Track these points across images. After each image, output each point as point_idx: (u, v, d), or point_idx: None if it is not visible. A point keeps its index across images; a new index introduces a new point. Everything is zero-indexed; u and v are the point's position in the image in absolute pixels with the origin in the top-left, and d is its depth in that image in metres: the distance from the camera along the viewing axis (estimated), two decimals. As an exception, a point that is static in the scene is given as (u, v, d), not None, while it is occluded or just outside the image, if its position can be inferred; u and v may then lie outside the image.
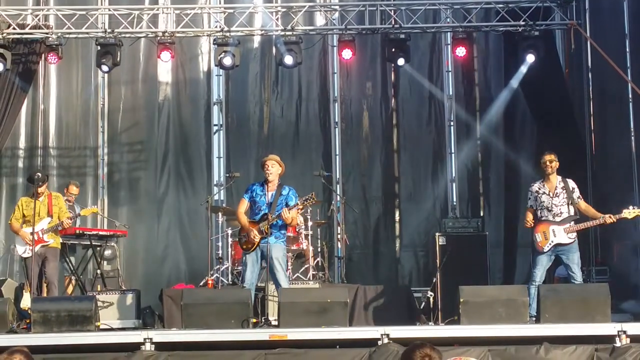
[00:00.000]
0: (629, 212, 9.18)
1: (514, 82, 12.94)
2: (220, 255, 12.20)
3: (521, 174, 13.67)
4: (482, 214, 14.03)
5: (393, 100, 14.60)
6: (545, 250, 9.25)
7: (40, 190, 9.89)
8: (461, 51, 12.76)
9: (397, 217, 14.41)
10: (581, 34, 12.59)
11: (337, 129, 14.53)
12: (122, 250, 13.03)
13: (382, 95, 14.61)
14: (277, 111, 14.55)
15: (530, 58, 12.27)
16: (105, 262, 11.95)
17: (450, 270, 11.23)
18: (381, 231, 14.38)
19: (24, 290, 10.17)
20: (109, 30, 12.52)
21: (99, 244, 11.54)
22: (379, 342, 7.88)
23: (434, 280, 11.31)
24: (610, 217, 9.16)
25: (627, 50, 12.27)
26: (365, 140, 14.59)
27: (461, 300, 8.49)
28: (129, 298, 10.40)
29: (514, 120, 14.18)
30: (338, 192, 13.97)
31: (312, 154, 14.45)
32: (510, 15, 12.45)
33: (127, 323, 10.10)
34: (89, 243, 11.20)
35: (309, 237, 11.61)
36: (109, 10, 12.94)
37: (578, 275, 9.23)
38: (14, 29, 12.54)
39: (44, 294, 9.90)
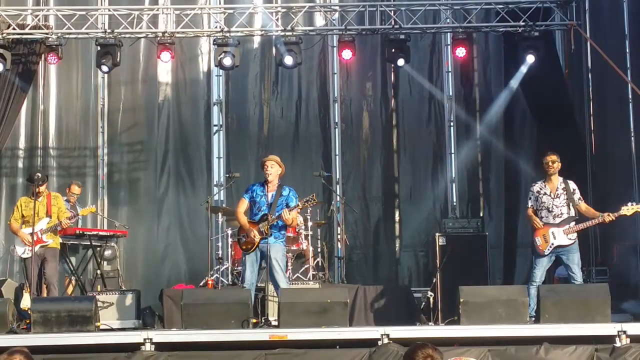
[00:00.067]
0: (627, 209, 9.17)
1: (514, 83, 12.94)
2: (220, 255, 12.20)
3: (521, 174, 13.68)
4: (482, 214, 14.03)
5: (393, 100, 14.60)
6: (546, 253, 9.26)
7: (39, 190, 9.88)
8: (461, 52, 12.77)
9: (397, 218, 14.41)
10: (581, 35, 12.59)
11: (337, 129, 14.54)
12: (122, 250, 13.04)
13: (382, 95, 14.61)
14: (277, 111, 14.55)
15: (530, 58, 12.27)
16: (105, 263, 11.96)
17: (450, 271, 11.23)
18: (381, 231, 14.38)
19: (24, 291, 10.16)
20: (108, 31, 12.52)
21: (99, 244, 11.55)
22: (379, 342, 7.89)
23: (434, 281, 11.32)
24: (608, 215, 9.17)
25: (627, 50, 12.27)
26: (365, 141, 14.59)
27: (461, 300, 8.49)
28: (129, 298, 10.40)
29: (513, 121, 14.19)
30: (338, 193, 13.98)
31: (312, 154, 14.45)
32: (510, 16, 12.45)
33: (127, 323, 10.10)
34: (89, 243, 11.20)
35: (309, 237, 11.62)
36: (109, 10, 12.94)
37: (578, 276, 9.23)
38: (13, 29, 12.54)
39: (44, 295, 9.89)
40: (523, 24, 12.33)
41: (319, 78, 14.61)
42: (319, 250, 11.97)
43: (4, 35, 12.42)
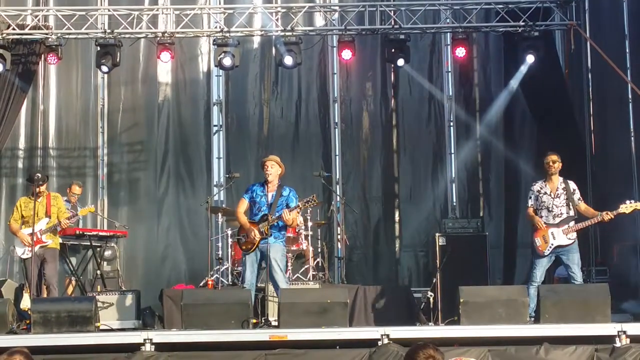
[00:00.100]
0: (626, 207, 9.17)
1: (514, 83, 12.94)
2: (220, 255, 12.20)
3: (521, 174, 13.67)
4: (482, 215, 14.03)
5: (393, 100, 14.60)
6: (546, 254, 9.27)
7: (39, 190, 9.87)
8: (461, 52, 12.77)
9: (397, 218, 14.41)
10: (581, 35, 12.59)
11: (336, 129, 14.54)
12: (122, 250, 13.04)
13: (381, 95, 14.61)
14: (276, 112, 14.55)
15: (530, 58, 12.27)
16: (105, 263, 11.96)
17: (450, 271, 11.23)
18: (381, 231, 14.38)
19: (23, 291, 10.16)
20: (108, 31, 12.52)
21: (99, 244, 11.54)
22: (379, 343, 7.89)
23: (434, 281, 11.32)
24: (607, 213, 9.17)
25: (627, 50, 12.26)
26: (365, 141, 14.59)
27: (461, 300, 8.49)
28: (129, 298, 10.40)
29: (513, 121, 14.19)
30: (338, 193, 13.98)
31: (312, 154, 14.45)
32: (510, 16, 12.45)
33: (127, 324, 10.10)
34: (88, 244, 11.19)
35: (309, 237, 11.61)
36: (109, 10, 12.93)
37: (578, 276, 9.24)
38: (13, 29, 12.54)
39: (44, 295, 9.89)
40: (523, 24, 12.33)
41: (319, 78, 14.61)
42: (319, 250, 11.97)
43: (4, 35, 12.42)
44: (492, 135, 14.23)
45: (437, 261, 11.60)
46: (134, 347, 7.91)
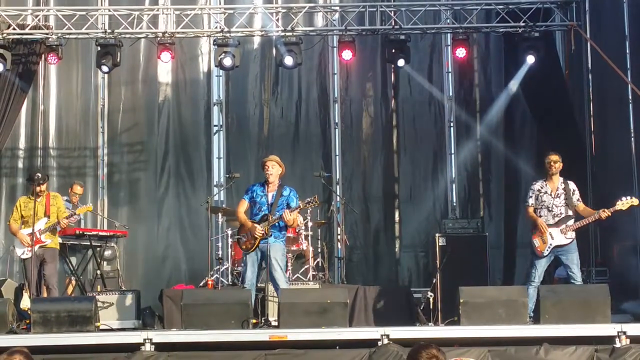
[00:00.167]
0: (622, 203, 9.18)
1: (514, 83, 12.94)
2: (220, 255, 12.20)
3: (521, 174, 13.68)
4: (482, 215, 14.04)
5: (393, 101, 14.60)
6: (545, 255, 9.27)
7: (39, 189, 9.87)
8: (461, 52, 12.77)
9: (397, 218, 14.41)
10: (581, 35, 12.59)
11: (337, 129, 14.54)
12: (122, 250, 13.04)
13: (382, 96, 14.62)
14: (277, 112, 14.55)
15: (530, 59, 12.27)
16: (105, 263, 11.96)
17: (450, 271, 11.23)
18: (381, 232, 14.38)
19: (23, 291, 10.16)
20: (109, 31, 12.52)
21: (99, 244, 11.55)
22: (379, 343, 7.89)
23: (434, 281, 11.31)
24: (604, 211, 9.17)
25: (627, 51, 12.26)
26: (365, 141, 14.60)
27: (461, 300, 8.50)
28: (129, 298, 10.40)
29: (514, 121, 14.20)
30: (338, 193, 13.98)
31: (312, 154, 14.45)
32: (510, 17, 12.45)
33: (127, 323, 10.10)
34: (88, 243, 11.20)
35: (309, 237, 11.61)
36: (109, 10, 12.94)
37: (578, 276, 9.24)
38: (14, 29, 12.54)
39: (44, 295, 9.89)
40: (523, 24, 12.33)
41: (319, 78, 14.61)
42: (319, 250, 11.96)
43: (4, 35, 12.43)
44: (492, 135, 14.23)
45: (437, 261, 11.60)
46: (134, 347, 7.91)
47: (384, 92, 14.61)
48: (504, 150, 14.06)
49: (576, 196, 9.41)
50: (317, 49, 14.06)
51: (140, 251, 14.08)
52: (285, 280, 9.22)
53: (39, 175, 9.90)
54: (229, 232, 12.00)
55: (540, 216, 9.35)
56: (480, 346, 7.81)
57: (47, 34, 12.62)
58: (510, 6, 12.44)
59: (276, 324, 8.74)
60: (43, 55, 12.79)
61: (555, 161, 9.38)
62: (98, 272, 11.29)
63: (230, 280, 11.57)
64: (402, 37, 12.60)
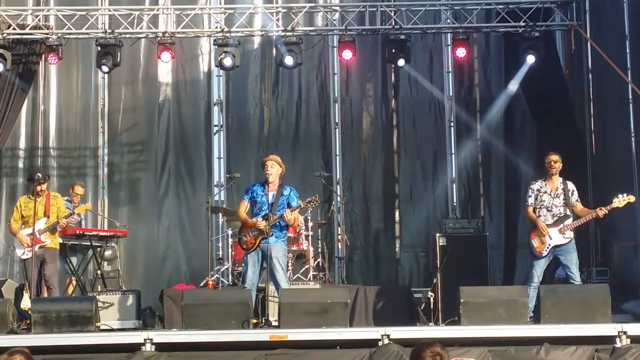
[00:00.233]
0: (619, 201, 9.17)
1: (514, 83, 12.94)
2: (220, 255, 12.20)
3: (521, 174, 13.68)
4: (482, 215, 14.04)
5: (393, 101, 14.60)
6: (543, 255, 9.27)
7: (40, 188, 9.87)
8: (461, 52, 12.76)
9: (397, 218, 14.41)
10: (581, 35, 12.59)
11: (337, 129, 14.54)
12: (123, 250, 13.04)
13: (382, 96, 14.61)
14: (277, 112, 14.55)
15: (531, 59, 12.27)
16: (105, 263, 11.96)
17: (451, 271, 11.24)
18: (381, 232, 14.38)
19: (24, 291, 10.16)
20: (109, 31, 12.52)
21: (100, 244, 11.55)
22: (379, 343, 7.89)
23: (434, 281, 11.31)
24: (601, 209, 9.17)
25: (627, 51, 12.27)
26: (365, 141, 14.60)
27: (461, 300, 8.50)
28: (130, 299, 10.40)
29: (514, 121, 14.21)
30: (338, 193, 13.98)
31: (312, 154, 14.45)
32: (510, 16, 12.45)
33: (127, 324, 10.10)
34: (89, 244, 11.20)
35: (310, 237, 11.61)
36: (109, 10, 12.94)
37: (577, 276, 9.24)
38: (14, 29, 12.54)
39: (45, 295, 9.89)
40: (523, 24, 12.33)
41: (319, 78, 14.61)
42: (319, 250, 11.96)
43: (4, 35, 12.43)
44: (492, 135, 14.23)
45: (438, 261, 11.61)
46: (135, 347, 7.92)
47: (384, 92, 14.61)
48: (504, 150, 14.07)
49: (575, 197, 9.41)
50: (317, 49, 14.05)
51: (140, 251, 14.08)
52: (286, 281, 9.22)
53: (39, 175, 9.90)
54: (229, 232, 12.00)
55: (540, 216, 9.35)
56: (480, 346, 7.82)
57: (47, 34, 12.62)
58: (511, 6, 12.44)
59: (277, 324, 8.74)
60: (43, 55, 12.79)
61: (556, 161, 9.38)
62: (98, 272, 11.29)
63: (230, 280, 11.57)
64: (402, 37, 12.60)
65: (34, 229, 9.71)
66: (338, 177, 14.38)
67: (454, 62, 14.09)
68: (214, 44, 12.80)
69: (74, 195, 11.56)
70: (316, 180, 12.86)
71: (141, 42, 13.93)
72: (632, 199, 9.20)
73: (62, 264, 10.71)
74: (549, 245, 9.23)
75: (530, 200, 9.44)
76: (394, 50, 12.65)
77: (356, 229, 14.23)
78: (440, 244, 11.67)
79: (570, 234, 9.28)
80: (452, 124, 14.56)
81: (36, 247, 9.70)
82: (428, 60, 14.54)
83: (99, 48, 12.64)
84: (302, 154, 14.39)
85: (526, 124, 14.06)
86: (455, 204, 14.39)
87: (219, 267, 11.82)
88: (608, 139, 12.92)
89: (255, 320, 9.01)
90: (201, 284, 11.53)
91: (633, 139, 11.99)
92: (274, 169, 9.29)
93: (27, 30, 12.63)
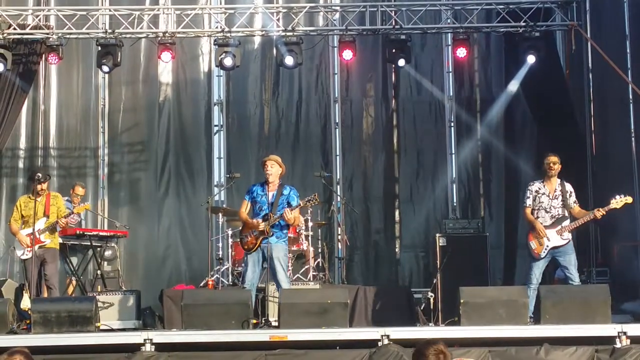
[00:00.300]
0: (616, 202, 9.17)
1: (515, 83, 12.93)
2: (220, 255, 12.20)
3: (521, 174, 13.68)
4: (482, 215, 14.03)
5: (393, 101, 14.60)
6: (542, 256, 9.26)
7: (40, 187, 9.86)
8: (462, 52, 12.75)
9: (397, 218, 14.41)
10: (582, 35, 12.58)
11: (337, 129, 14.53)
12: (123, 250, 13.04)
13: (382, 96, 14.61)
14: (277, 112, 14.55)
15: (531, 59, 12.26)
16: (105, 263, 11.96)
17: (451, 271, 11.23)
18: (381, 232, 14.38)
19: (24, 291, 10.16)
20: (109, 31, 12.51)
21: (100, 244, 11.54)
22: (379, 343, 7.90)
23: (434, 281, 11.30)
24: (598, 210, 9.17)
25: (628, 51, 12.27)
26: (365, 141, 14.60)
27: (461, 301, 8.50)
28: (129, 299, 10.40)
29: (514, 121, 14.20)
30: (338, 193, 13.98)
31: (313, 154, 14.45)
32: (510, 16, 12.44)
33: (127, 324, 10.10)
34: (89, 244, 11.20)
35: (310, 237, 11.61)
36: (110, 10, 12.94)
37: (575, 276, 9.24)
38: (14, 29, 12.53)
39: (45, 295, 9.89)
40: (524, 24, 12.32)
41: (320, 78, 14.60)
42: (319, 250, 11.96)
43: (5, 35, 12.42)
44: (492, 135, 14.23)
45: (438, 262, 11.60)
46: (134, 347, 7.92)
47: (384, 92, 14.61)
48: (504, 150, 14.06)
49: (573, 198, 9.41)
50: (317, 49, 14.05)
51: (140, 251, 14.08)
52: (287, 281, 9.23)
53: (39, 175, 9.90)
54: (230, 232, 12.01)
55: (538, 217, 9.34)
56: (480, 346, 7.82)
57: (47, 33, 12.62)
58: (511, 6, 12.43)
59: (276, 324, 8.75)
60: (44, 55, 12.78)
61: (555, 162, 9.37)
62: (98, 272, 11.29)
63: (230, 280, 11.57)
64: (403, 37, 12.59)
65: (33, 229, 9.71)
66: (338, 177, 14.38)
67: (455, 62, 14.09)
68: (215, 44, 12.79)
69: (74, 195, 11.56)
70: (316, 180, 12.86)
71: (141, 42, 13.93)
72: (629, 200, 9.20)
73: (62, 264, 10.71)
74: (547, 246, 9.23)
75: (529, 202, 9.43)
76: (394, 50, 12.64)
77: (356, 229, 14.23)
78: (440, 244, 11.66)
79: (568, 235, 9.28)
80: (452, 124, 14.56)
81: (36, 247, 9.70)
82: (428, 60, 14.53)
83: (100, 48, 12.63)
84: (302, 154, 14.39)
85: (526, 124, 14.06)
86: (455, 204, 14.39)
87: (219, 267, 11.82)
88: (608, 139, 12.92)
89: (255, 321, 9.02)
90: (201, 284, 11.53)
91: (633, 139, 11.98)
92: (274, 168, 9.30)
93: (27, 30, 12.63)
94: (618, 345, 7.85)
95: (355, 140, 14.57)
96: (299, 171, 13.87)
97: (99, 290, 10.81)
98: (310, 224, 11.63)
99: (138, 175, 14.51)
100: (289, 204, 9.19)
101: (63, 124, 14.50)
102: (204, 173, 14.46)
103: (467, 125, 14.46)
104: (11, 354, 5.11)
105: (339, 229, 13.32)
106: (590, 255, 12.01)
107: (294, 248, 11.34)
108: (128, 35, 12.76)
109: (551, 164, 9.36)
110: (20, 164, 14.31)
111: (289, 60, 12.51)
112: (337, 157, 14.46)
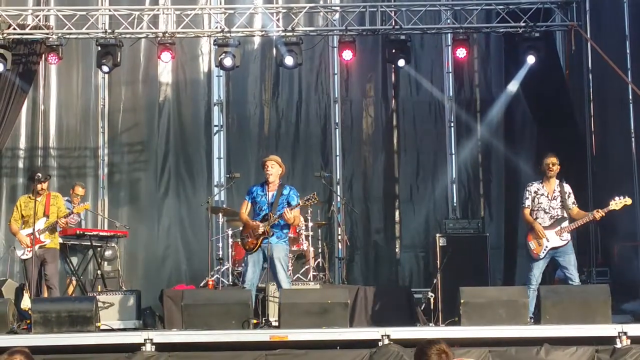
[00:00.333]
0: (616, 203, 9.17)
1: (514, 84, 12.94)
2: (220, 255, 12.21)
3: (521, 175, 13.66)
4: (482, 215, 14.04)
5: (393, 101, 14.60)
6: (541, 257, 9.26)
7: (41, 187, 9.86)
8: (461, 52, 12.75)
9: (397, 218, 14.41)
10: (581, 36, 12.59)
11: (337, 130, 14.53)
12: (123, 250, 13.04)
13: (382, 96, 14.61)
14: (277, 112, 14.55)
15: (531, 59, 12.26)
16: (105, 263, 11.96)
17: (451, 271, 11.23)
18: (381, 232, 14.37)
19: (24, 291, 10.16)
20: (109, 31, 12.51)
21: (100, 244, 11.55)
22: (380, 343, 7.91)
23: (434, 281, 11.30)
24: (598, 211, 9.16)
25: (628, 51, 12.28)
26: (365, 142, 14.60)
27: (462, 301, 8.50)
28: (130, 299, 10.40)
29: (514, 122, 14.20)
30: (338, 193, 13.98)
31: (313, 155, 14.45)
32: (510, 17, 12.44)
33: (127, 324, 10.11)
34: (89, 244, 11.20)
35: (310, 238, 11.61)
36: (110, 10, 12.94)
37: (575, 277, 9.24)
38: (14, 29, 12.53)
39: (45, 295, 9.89)
40: (524, 24, 12.33)
41: (320, 79, 14.60)
42: (319, 250, 11.96)
43: (5, 35, 12.42)
44: (492, 135, 14.23)
45: (438, 262, 11.60)
46: (135, 347, 7.93)
47: (384, 93, 14.61)
48: (504, 151, 14.06)
49: (571, 199, 9.40)
50: (317, 49, 14.05)
51: (140, 251, 14.08)
52: (288, 281, 9.23)
53: (39, 175, 9.90)
54: (230, 232, 12.01)
55: (537, 218, 9.33)
56: (480, 346, 7.83)
57: (47, 34, 12.61)
58: (511, 6, 12.43)
59: (277, 324, 8.75)
60: (43, 55, 12.78)
61: (554, 163, 9.36)
62: (98, 272, 11.29)
63: (230, 280, 11.57)
64: (403, 37, 12.59)
65: (33, 229, 9.71)
66: (338, 177, 14.38)
67: (454, 62, 14.08)
68: (214, 44, 12.79)
69: (74, 195, 11.57)
70: (316, 181, 12.86)
71: (141, 42, 13.93)
72: (628, 201, 9.19)
73: (62, 264, 10.71)
74: (546, 247, 9.23)
75: (528, 202, 9.42)
76: (394, 51, 12.64)
77: (356, 229, 14.23)
78: (441, 244, 11.67)
79: (567, 236, 9.27)
80: (452, 124, 14.56)
81: (36, 247, 9.70)
82: (428, 60, 14.54)
83: (99, 48, 12.63)
84: (302, 154, 14.39)
85: (526, 124, 14.06)
86: (455, 204, 14.39)
87: (219, 267, 11.82)
88: (608, 140, 12.92)
89: (255, 321, 9.02)
90: (201, 284, 11.52)
91: (633, 139, 11.99)
92: (274, 169, 9.30)
93: (27, 30, 12.62)
94: (618, 345, 7.86)
95: (355, 140, 14.58)
96: (299, 171, 13.88)
97: (99, 290, 10.81)
98: (310, 224, 11.63)
99: (138, 175, 14.51)
100: (288, 204, 9.20)
101: (63, 124, 14.50)
102: (204, 173, 14.46)
103: (467, 126, 14.46)
104: (11, 353, 5.12)
105: (339, 229, 13.32)
106: (591, 256, 12.01)
107: (294, 248, 11.34)
108: (128, 36, 12.75)
109: (550, 165, 9.36)
110: (20, 164, 14.31)
111: (288, 61, 12.51)
112: (337, 157, 14.46)
